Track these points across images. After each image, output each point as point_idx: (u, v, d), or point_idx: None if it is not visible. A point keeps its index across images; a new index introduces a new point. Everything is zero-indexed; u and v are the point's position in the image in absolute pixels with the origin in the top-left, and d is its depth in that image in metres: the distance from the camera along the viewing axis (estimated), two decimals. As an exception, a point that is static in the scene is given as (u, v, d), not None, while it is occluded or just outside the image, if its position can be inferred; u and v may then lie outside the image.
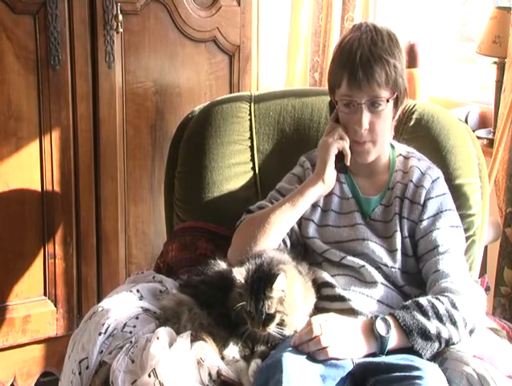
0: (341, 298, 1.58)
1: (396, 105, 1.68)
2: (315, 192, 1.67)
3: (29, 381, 2.37)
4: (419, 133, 1.91)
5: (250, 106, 2.04)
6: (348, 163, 1.68)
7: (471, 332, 1.52)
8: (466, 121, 2.57)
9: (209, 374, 1.42)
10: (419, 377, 1.33)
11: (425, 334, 1.44)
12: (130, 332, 1.56)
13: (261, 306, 1.43)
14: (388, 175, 1.74)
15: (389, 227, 1.67)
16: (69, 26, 2.19)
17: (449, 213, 1.68)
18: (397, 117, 1.73)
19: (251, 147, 2.01)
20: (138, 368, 1.44)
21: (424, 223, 1.65)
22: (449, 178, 1.81)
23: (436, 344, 1.45)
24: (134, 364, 1.46)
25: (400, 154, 1.76)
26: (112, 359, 1.50)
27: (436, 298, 1.51)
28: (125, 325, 1.58)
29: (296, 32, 3.05)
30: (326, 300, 1.60)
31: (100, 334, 1.55)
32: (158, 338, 1.47)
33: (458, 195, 1.82)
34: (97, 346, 1.54)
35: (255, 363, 1.43)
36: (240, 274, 1.47)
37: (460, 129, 1.93)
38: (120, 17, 2.23)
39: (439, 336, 1.45)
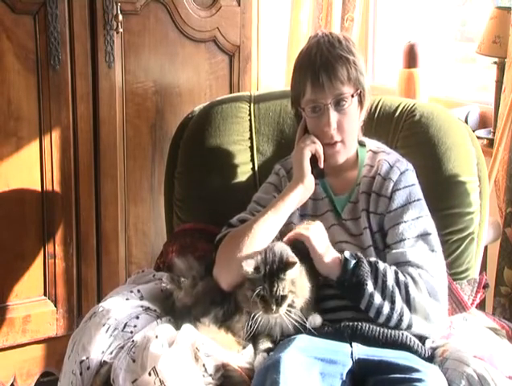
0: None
1: (361, 104, 1.69)
2: (297, 196, 1.65)
3: (29, 381, 2.37)
4: (419, 130, 1.90)
5: (250, 106, 2.04)
6: (322, 165, 1.68)
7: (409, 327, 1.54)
8: (466, 121, 2.56)
9: (209, 368, 1.44)
10: (420, 380, 1.33)
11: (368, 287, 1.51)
12: (131, 332, 1.56)
13: (275, 289, 1.47)
14: (357, 172, 1.73)
15: (358, 225, 1.66)
16: (69, 26, 2.19)
17: (417, 203, 1.66)
18: (363, 117, 1.74)
19: (251, 147, 2.01)
20: (139, 368, 1.44)
21: (391, 215, 1.64)
22: (448, 175, 1.81)
23: (375, 301, 1.51)
24: (134, 364, 1.46)
25: (370, 150, 1.76)
26: (113, 359, 1.50)
27: (403, 274, 1.55)
28: (125, 325, 1.58)
29: (296, 32, 3.05)
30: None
31: (101, 334, 1.55)
32: (156, 336, 1.47)
33: (457, 192, 1.82)
34: (97, 346, 1.54)
35: (262, 357, 1.47)
36: (249, 266, 1.50)
37: (460, 128, 1.92)
38: (120, 17, 2.23)
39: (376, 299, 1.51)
